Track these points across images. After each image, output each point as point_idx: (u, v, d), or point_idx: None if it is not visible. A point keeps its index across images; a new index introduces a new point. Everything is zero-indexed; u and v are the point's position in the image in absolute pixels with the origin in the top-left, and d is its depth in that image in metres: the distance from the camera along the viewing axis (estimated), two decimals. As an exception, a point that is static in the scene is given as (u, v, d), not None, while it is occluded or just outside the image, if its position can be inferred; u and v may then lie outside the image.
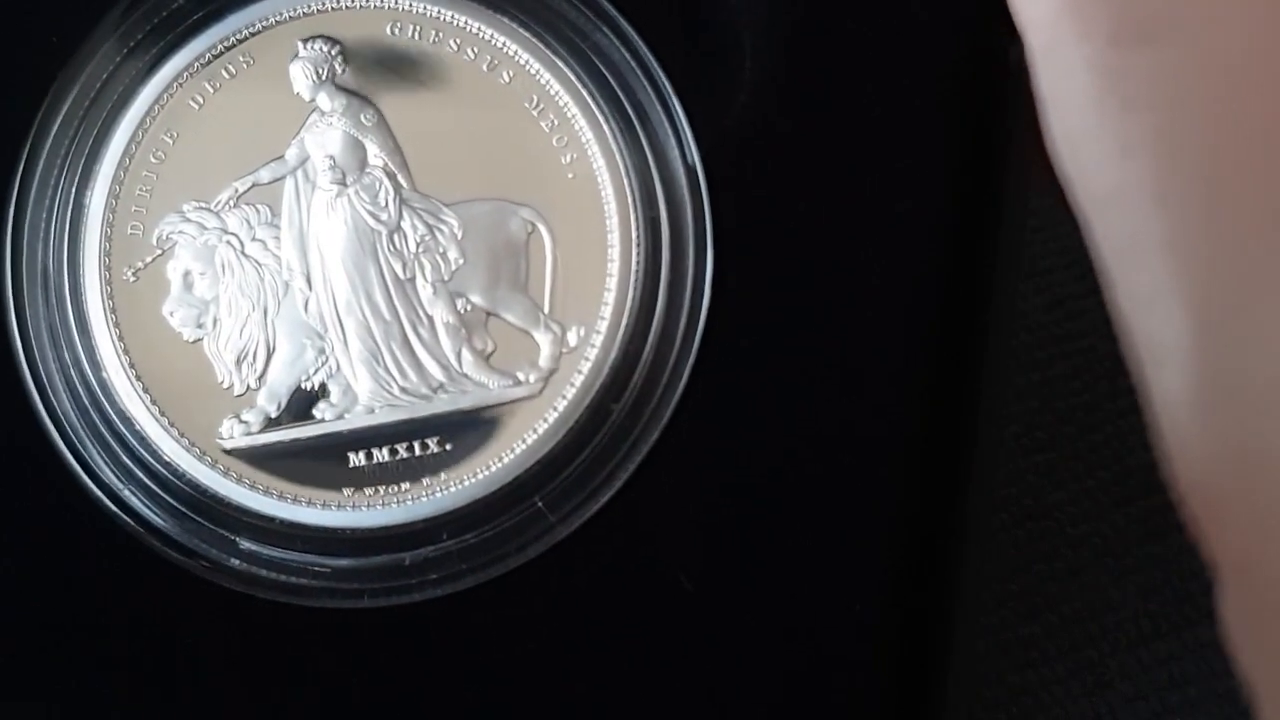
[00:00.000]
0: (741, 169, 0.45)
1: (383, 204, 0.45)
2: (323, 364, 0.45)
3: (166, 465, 0.45)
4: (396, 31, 0.45)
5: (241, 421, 0.44)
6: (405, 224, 0.45)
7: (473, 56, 0.45)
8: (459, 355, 0.45)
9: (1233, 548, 0.38)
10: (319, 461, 0.45)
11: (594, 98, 0.45)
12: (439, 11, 0.45)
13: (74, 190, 0.45)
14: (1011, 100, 0.44)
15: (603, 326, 0.45)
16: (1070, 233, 0.54)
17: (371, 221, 0.45)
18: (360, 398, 0.45)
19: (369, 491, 0.44)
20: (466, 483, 0.44)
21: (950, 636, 0.47)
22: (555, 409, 0.45)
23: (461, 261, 0.45)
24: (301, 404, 0.45)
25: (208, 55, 0.45)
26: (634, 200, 0.45)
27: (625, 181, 0.45)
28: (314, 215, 0.45)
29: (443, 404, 0.45)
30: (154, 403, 0.44)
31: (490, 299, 0.45)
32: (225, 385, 0.45)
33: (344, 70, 0.45)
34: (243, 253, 0.45)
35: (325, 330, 0.45)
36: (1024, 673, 0.57)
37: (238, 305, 0.45)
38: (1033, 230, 0.59)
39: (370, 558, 0.45)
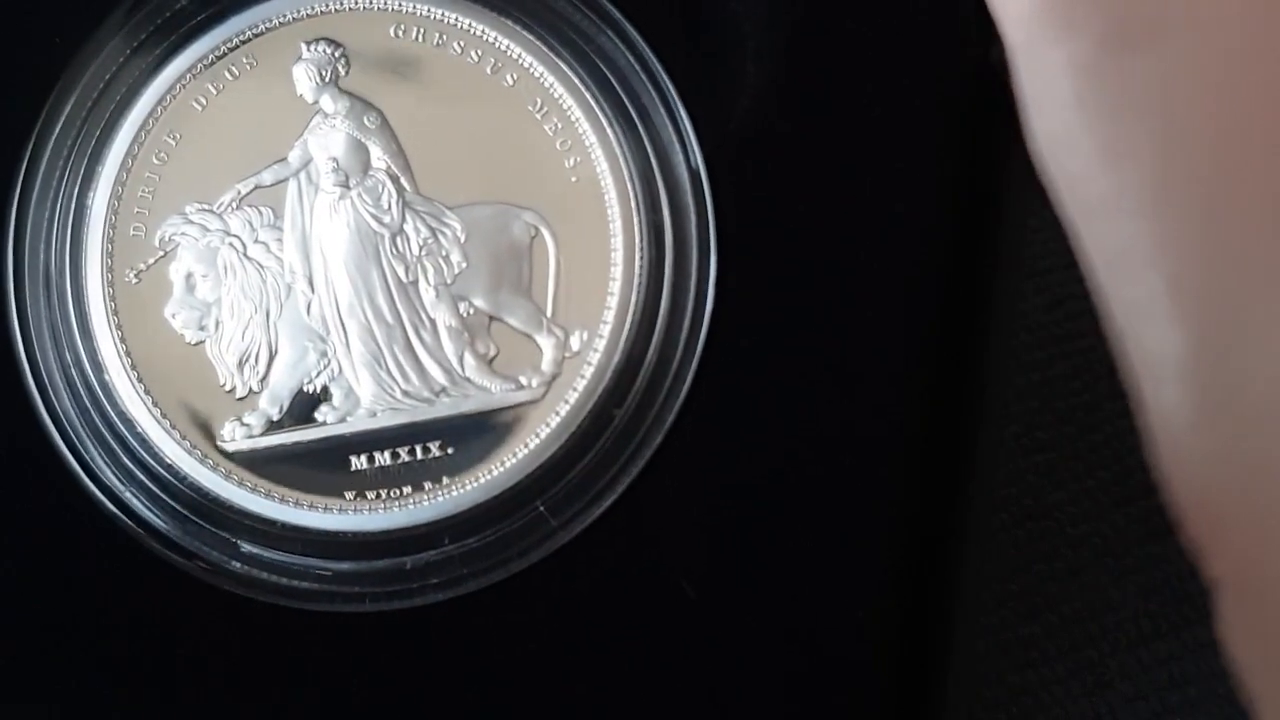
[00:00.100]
0: (744, 172, 0.45)
1: (385, 207, 0.45)
2: (325, 367, 0.45)
3: (168, 467, 0.45)
4: (400, 34, 0.45)
5: (243, 424, 0.44)
6: (408, 227, 0.45)
7: (476, 59, 0.45)
8: (461, 359, 0.45)
9: (1233, 564, 0.37)
10: (320, 465, 0.44)
11: (597, 101, 0.45)
12: (442, 14, 0.45)
13: (76, 191, 0.45)
14: (1010, 100, 0.43)
15: (605, 330, 0.44)
16: (1069, 233, 0.54)
17: (374, 224, 0.45)
18: (362, 401, 0.45)
19: (370, 495, 0.44)
20: (468, 487, 0.44)
21: (950, 637, 0.47)
22: (558, 413, 0.45)
23: (464, 265, 0.45)
24: (303, 407, 0.45)
25: (211, 57, 0.45)
26: (637, 203, 0.45)
27: (628, 185, 0.45)
28: (317, 218, 0.45)
29: (445, 408, 0.45)
30: (155, 405, 0.44)
31: (493, 302, 0.45)
32: (227, 388, 0.45)
33: (347, 72, 0.45)
34: (245, 255, 0.44)
35: (327, 333, 0.45)
36: (1024, 673, 0.57)
37: (240, 307, 0.44)
38: (1033, 230, 0.59)
39: (372, 561, 0.45)
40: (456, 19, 0.45)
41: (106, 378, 0.44)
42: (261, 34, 0.45)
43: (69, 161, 0.45)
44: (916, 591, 0.46)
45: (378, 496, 0.44)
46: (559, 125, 0.45)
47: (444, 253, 0.45)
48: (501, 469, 0.44)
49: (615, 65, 0.45)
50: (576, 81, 0.45)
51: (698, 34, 0.45)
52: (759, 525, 0.45)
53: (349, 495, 0.44)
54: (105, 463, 0.45)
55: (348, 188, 0.45)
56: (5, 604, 0.45)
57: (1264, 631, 0.37)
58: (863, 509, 0.45)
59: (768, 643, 0.45)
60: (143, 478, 0.45)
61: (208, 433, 0.44)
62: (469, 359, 0.45)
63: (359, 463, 0.44)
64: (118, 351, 0.44)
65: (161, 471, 0.45)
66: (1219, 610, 0.38)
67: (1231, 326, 0.36)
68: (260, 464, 0.44)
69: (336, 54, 0.45)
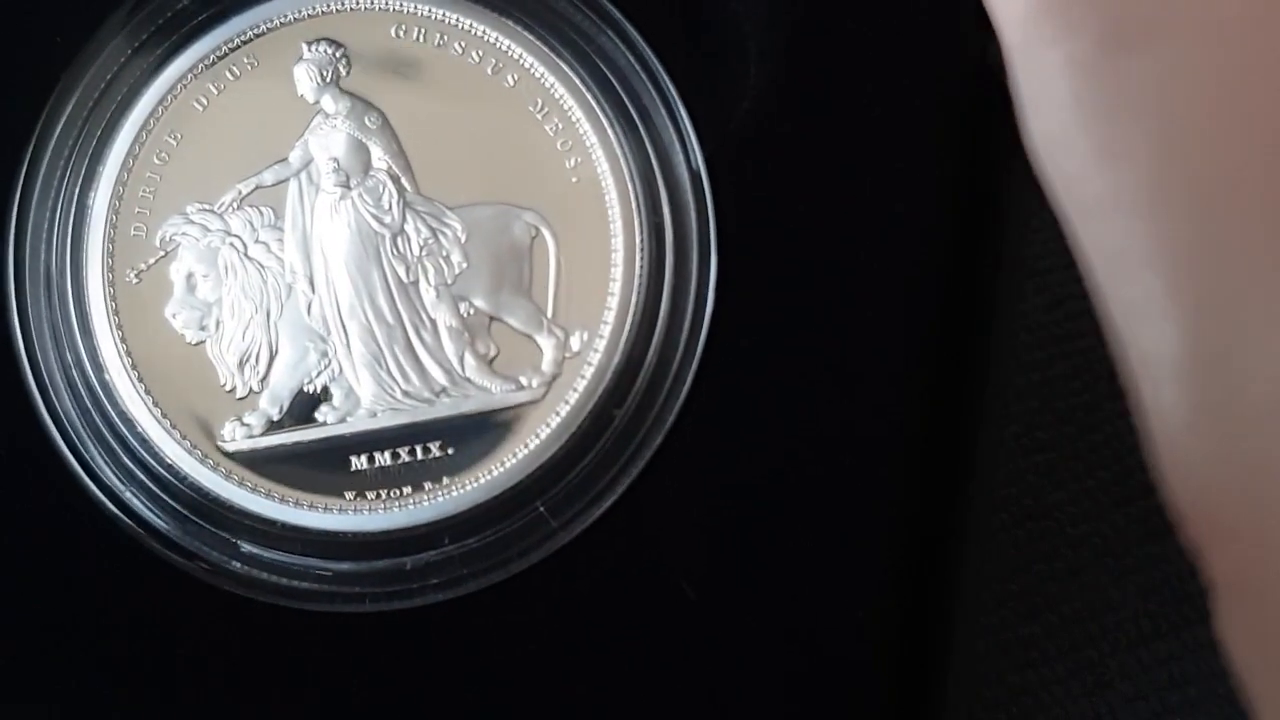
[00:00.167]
0: (745, 172, 0.45)
1: (386, 207, 0.45)
2: (325, 367, 0.45)
3: (168, 467, 0.45)
4: (401, 34, 0.45)
5: (243, 424, 0.44)
6: (409, 227, 0.45)
7: (477, 60, 0.45)
8: (462, 359, 0.45)
9: (1231, 564, 0.38)
10: (321, 465, 0.44)
11: (598, 101, 0.45)
12: (443, 14, 0.45)
13: (77, 191, 0.45)
14: (1009, 100, 0.43)
15: (606, 331, 0.44)
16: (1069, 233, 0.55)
17: (375, 224, 0.45)
18: (363, 401, 0.45)
19: (371, 495, 0.44)
20: (468, 487, 0.44)
21: (950, 637, 0.47)
22: (558, 414, 0.45)
23: (465, 265, 0.45)
24: (304, 407, 0.45)
25: (212, 57, 0.45)
26: (638, 204, 0.45)
27: (629, 185, 0.45)
28: (317, 218, 0.45)
29: (445, 408, 0.45)
30: (156, 405, 0.44)
31: (493, 303, 0.45)
32: (227, 388, 0.45)
33: (348, 73, 0.45)
34: (246, 255, 0.44)
35: (328, 333, 0.45)
36: (1024, 673, 0.57)
37: (240, 308, 0.44)
38: (1033, 230, 0.59)
39: (372, 562, 0.45)
40: (458, 19, 0.45)
41: (107, 377, 0.44)
42: (263, 34, 0.45)
43: (70, 161, 0.45)
44: (916, 591, 0.46)
45: (378, 497, 0.44)
46: (560, 126, 0.45)
47: (445, 253, 0.45)
48: (502, 469, 0.44)
49: (616, 66, 0.45)
50: (577, 82, 0.45)
51: (698, 35, 0.45)
52: (759, 525, 0.45)
53: (349, 495, 0.44)
54: (105, 462, 0.45)
55: (348, 188, 0.45)
56: (5, 604, 0.45)
57: (1263, 631, 0.37)
58: (863, 509, 0.45)
59: (768, 643, 0.45)
60: (143, 477, 0.45)
61: (208, 433, 0.44)
62: (469, 359, 0.45)
63: (359, 463, 0.44)
64: (118, 351, 0.44)
65: (162, 471, 0.45)
66: (1217, 610, 0.38)
67: (1228, 327, 0.36)
68: (260, 464, 0.44)
69: (338, 54, 0.45)
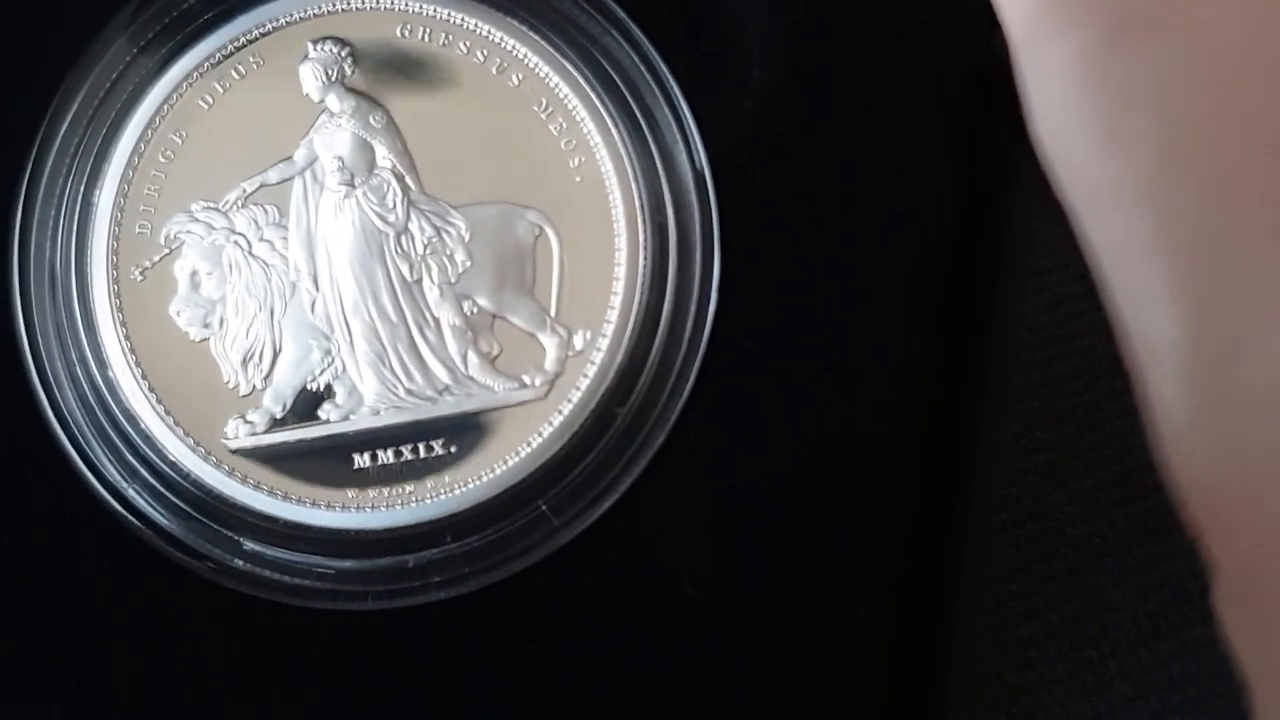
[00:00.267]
0: (749, 173, 0.45)
1: (390, 205, 0.45)
2: (329, 365, 0.45)
3: (171, 465, 0.45)
4: (406, 33, 0.45)
5: (247, 422, 0.44)
6: (413, 226, 0.45)
7: (482, 59, 0.45)
8: (465, 358, 0.45)
9: (1234, 550, 0.38)
10: (324, 462, 0.45)
11: (602, 101, 0.45)
12: (449, 14, 0.45)
13: (82, 189, 0.45)
14: (1013, 96, 0.44)
15: (609, 330, 0.45)
16: (1070, 233, 0.54)
17: (379, 223, 0.45)
18: (366, 399, 0.45)
19: (373, 493, 0.44)
20: (471, 485, 0.44)
21: (950, 637, 0.47)
22: (560, 412, 0.45)
23: (468, 264, 0.45)
24: (307, 405, 0.45)
25: (218, 55, 0.45)
26: (641, 204, 0.45)
27: (633, 185, 0.45)
28: (322, 216, 0.45)
29: (448, 406, 0.45)
30: (159, 402, 0.44)
31: (497, 302, 0.45)
32: (231, 385, 0.45)
33: (353, 72, 0.45)
34: (250, 253, 0.45)
35: (332, 331, 0.45)
36: (1024, 673, 0.57)
37: (244, 305, 0.45)
38: (1032, 230, 0.59)
39: (374, 559, 0.45)
40: (463, 19, 0.45)
41: (111, 375, 0.44)
42: (268, 33, 0.45)
43: (75, 159, 0.45)
44: (917, 591, 0.46)
45: (380, 494, 0.44)
46: (564, 125, 0.45)
47: (448, 252, 0.45)
48: (504, 468, 0.44)
49: (620, 66, 0.45)
50: (582, 82, 0.45)
51: (702, 35, 0.45)
52: (761, 525, 0.45)
53: (352, 493, 0.44)
54: (109, 459, 0.45)
55: (353, 186, 0.45)
56: (8, 601, 0.45)
57: (1262, 620, 0.37)
58: (864, 508, 0.45)
59: (768, 642, 0.45)
60: (146, 475, 0.45)
61: (211, 430, 0.45)
62: (472, 358, 0.45)
63: (362, 461, 0.45)
64: (122, 349, 0.44)
65: (165, 468, 0.45)
66: (1218, 598, 0.38)
67: (1230, 322, 0.36)
68: (263, 461, 0.44)
69: (343, 53, 0.45)
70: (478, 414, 0.45)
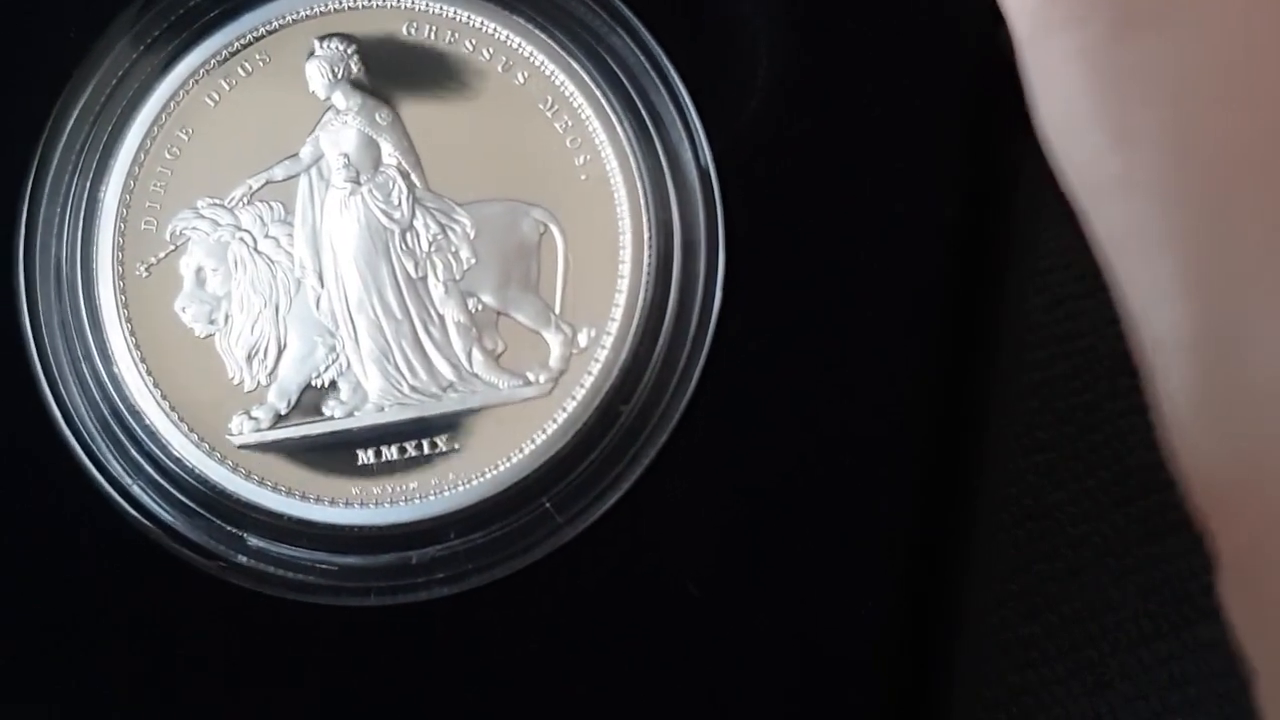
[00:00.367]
0: (754, 171, 0.45)
1: (396, 203, 0.45)
2: (333, 361, 0.45)
3: (176, 461, 0.45)
4: (413, 31, 0.45)
5: (251, 418, 0.44)
6: (418, 223, 0.45)
7: (488, 57, 0.45)
8: (469, 355, 0.45)
9: (1239, 538, 0.38)
10: (328, 459, 0.45)
11: (608, 99, 0.45)
12: (455, 12, 0.45)
13: (88, 185, 0.45)
14: (1018, 92, 0.44)
15: (613, 328, 0.45)
16: (1070, 233, 0.54)
17: (384, 220, 0.45)
18: (370, 396, 0.45)
19: (377, 489, 0.44)
20: (474, 482, 0.44)
21: (951, 637, 0.47)
22: (564, 410, 0.45)
23: (473, 261, 0.45)
24: (311, 401, 0.45)
25: (224, 52, 0.45)
26: (646, 202, 0.45)
27: (638, 183, 0.45)
28: (327, 213, 0.45)
29: (452, 403, 0.45)
30: (164, 398, 0.44)
31: (501, 299, 0.45)
32: (236, 381, 0.45)
33: (360, 69, 0.45)
34: (255, 249, 0.45)
35: (336, 328, 0.45)
36: (1024, 673, 0.57)
37: (250, 302, 0.45)
38: (1036, 229, 0.59)
39: (377, 556, 0.45)
40: (469, 17, 0.45)
41: (116, 370, 0.45)
42: (275, 31, 0.45)
43: (81, 155, 0.45)
44: (918, 591, 0.46)
45: (384, 491, 0.45)
46: (569, 123, 0.45)
47: (453, 249, 0.45)
48: (508, 465, 0.45)
49: (626, 64, 0.45)
50: (587, 80, 0.45)
51: (708, 33, 0.45)
52: (764, 523, 0.45)
53: (356, 489, 0.45)
54: (113, 455, 0.45)
55: (358, 184, 0.45)
56: (11, 595, 0.45)
57: (1263, 604, 0.37)
58: (866, 508, 0.46)
59: (769, 642, 0.46)
60: (150, 471, 0.45)
61: (216, 426, 0.45)
62: (477, 355, 0.45)
63: (366, 457, 0.45)
64: (127, 344, 0.44)
65: (169, 464, 0.45)
66: (1221, 581, 0.38)
67: (1239, 311, 0.37)
68: (268, 457, 0.45)
69: (349, 51, 0.45)
70: (482, 411, 0.45)
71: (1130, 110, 0.37)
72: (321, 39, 0.45)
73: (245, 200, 0.44)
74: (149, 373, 0.44)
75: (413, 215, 0.45)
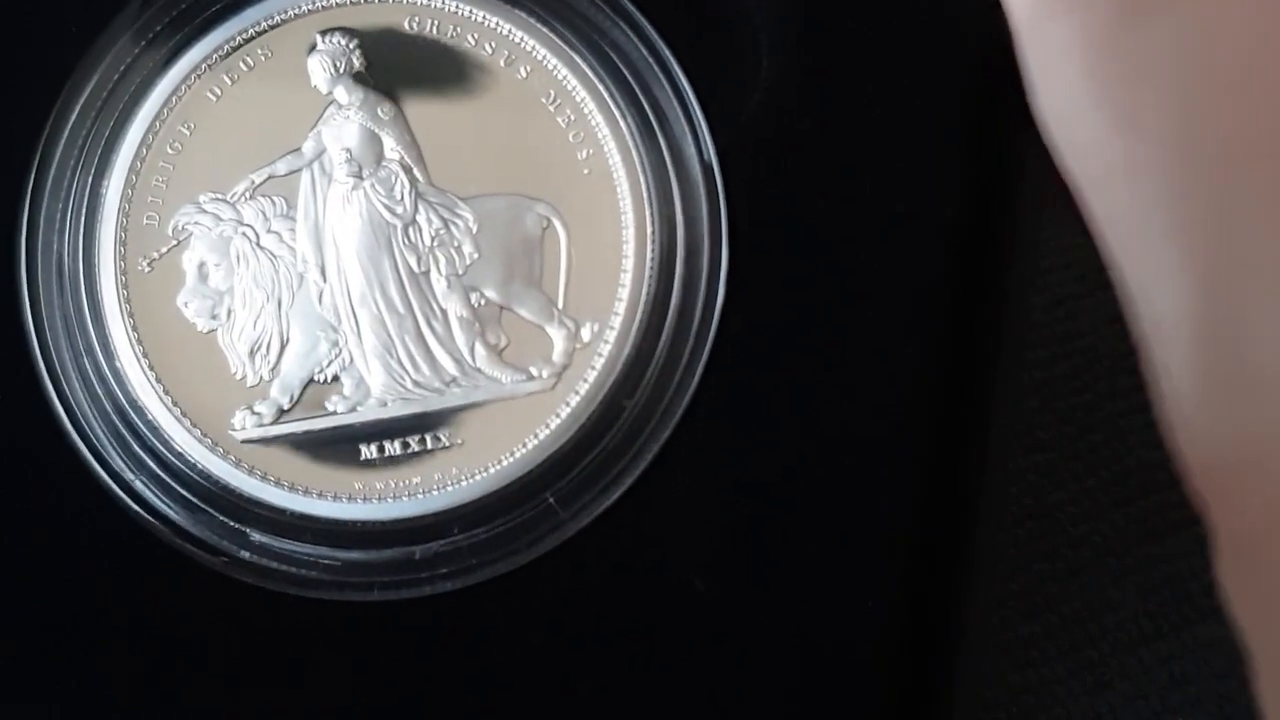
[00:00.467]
0: (757, 167, 0.45)
1: (398, 197, 0.45)
2: (336, 356, 0.45)
3: (178, 455, 0.45)
4: (415, 26, 0.45)
5: (254, 413, 0.44)
6: (420, 218, 0.45)
7: (490, 52, 0.45)
8: (472, 349, 0.45)
9: (1238, 522, 0.38)
10: (331, 454, 0.45)
11: (611, 94, 0.45)
12: (457, 6, 0.45)
13: (90, 180, 0.45)
14: (1019, 87, 0.44)
15: (616, 323, 0.45)
16: (1070, 232, 0.55)
17: (387, 215, 0.45)
18: (373, 391, 0.45)
19: (380, 484, 0.44)
20: (478, 477, 0.44)
21: (952, 637, 0.47)
22: (568, 405, 0.45)
23: (476, 256, 0.45)
24: (314, 396, 0.45)
25: (226, 47, 0.45)
26: (649, 197, 0.45)
27: (641, 178, 0.45)
28: (330, 208, 0.45)
29: (455, 398, 0.45)
30: (167, 393, 0.44)
31: (504, 294, 0.45)
32: (238, 376, 0.45)
33: (362, 64, 0.45)
34: (258, 244, 0.45)
35: (339, 323, 0.45)
36: (1024, 673, 0.57)
37: (252, 297, 0.45)
38: (1038, 227, 0.59)
39: (380, 551, 0.45)
40: (471, 11, 0.45)
41: (118, 365, 0.44)
42: (277, 25, 0.45)
43: (83, 151, 0.45)
44: (918, 591, 0.46)
45: (387, 486, 0.44)
46: (572, 118, 0.45)
47: (456, 243, 0.45)
48: (511, 460, 0.44)
49: (629, 59, 0.45)
50: (590, 74, 0.45)
51: (711, 28, 0.45)
52: (768, 521, 0.45)
53: (358, 484, 0.45)
54: (116, 450, 0.45)
55: (361, 178, 0.45)
56: (14, 591, 0.45)
57: (1262, 588, 0.37)
58: (873, 507, 0.46)
59: (773, 640, 0.46)
60: (153, 466, 0.45)
61: (218, 421, 0.45)
62: (480, 349, 0.45)
63: (369, 452, 0.45)
64: (129, 339, 0.44)
65: (172, 459, 0.45)
66: (1220, 565, 0.38)
67: (1240, 294, 0.37)
68: (270, 452, 0.44)
69: (351, 45, 0.45)
70: (485, 406, 0.45)
71: (1133, 96, 0.38)
72: (323, 33, 0.45)
73: (247, 195, 0.44)
74: (151, 368, 0.44)
75: (415, 210, 0.45)
